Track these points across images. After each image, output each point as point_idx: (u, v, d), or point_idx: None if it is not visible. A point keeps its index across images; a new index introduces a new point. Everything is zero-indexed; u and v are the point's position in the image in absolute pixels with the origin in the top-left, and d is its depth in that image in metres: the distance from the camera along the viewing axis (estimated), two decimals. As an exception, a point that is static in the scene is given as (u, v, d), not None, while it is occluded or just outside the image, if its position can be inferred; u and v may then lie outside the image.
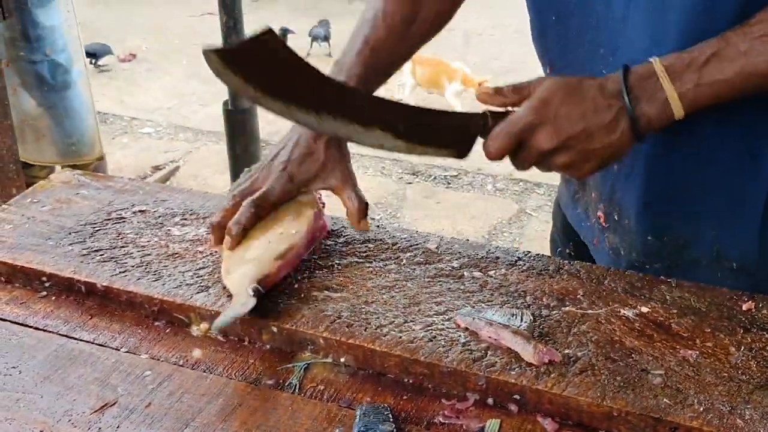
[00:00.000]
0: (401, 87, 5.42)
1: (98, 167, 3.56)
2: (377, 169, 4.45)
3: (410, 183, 4.32)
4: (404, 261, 1.21)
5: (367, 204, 1.23)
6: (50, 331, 1.13)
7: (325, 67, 1.15)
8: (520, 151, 1.06)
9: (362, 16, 1.30)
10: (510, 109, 1.08)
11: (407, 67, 5.16)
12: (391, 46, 1.28)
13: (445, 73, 5.20)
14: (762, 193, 1.15)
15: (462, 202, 4.10)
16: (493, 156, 1.06)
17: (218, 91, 4.12)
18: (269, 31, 0.98)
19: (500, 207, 4.02)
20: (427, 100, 5.22)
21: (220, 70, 1.00)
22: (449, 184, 4.30)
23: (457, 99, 5.25)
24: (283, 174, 1.21)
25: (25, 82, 3.29)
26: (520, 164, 1.08)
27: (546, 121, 1.03)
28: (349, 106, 1.06)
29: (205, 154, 4.80)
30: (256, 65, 1.01)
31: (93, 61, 5.98)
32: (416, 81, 5.34)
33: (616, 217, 1.26)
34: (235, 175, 3.76)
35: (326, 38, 6.29)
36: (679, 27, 1.06)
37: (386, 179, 4.36)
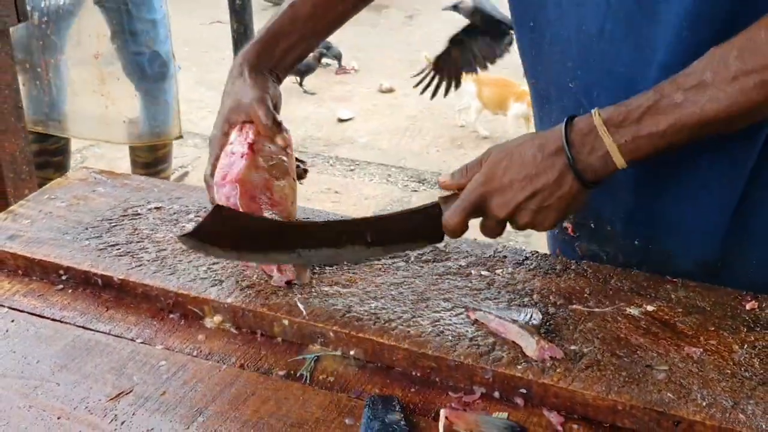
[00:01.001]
0: (464, 111, 5.13)
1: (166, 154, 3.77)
2: (383, 176, 4.48)
3: (416, 191, 4.35)
4: (412, 259, 1.23)
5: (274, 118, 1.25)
6: (67, 323, 1.16)
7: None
8: (482, 222, 1.10)
9: None
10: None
11: (472, 88, 4.89)
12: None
13: (513, 94, 4.88)
14: (733, 202, 1.16)
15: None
16: (453, 231, 1.10)
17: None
18: (217, 206, 1.12)
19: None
20: (493, 122, 5.15)
21: (197, 247, 1.12)
22: (456, 192, 4.35)
23: (519, 120, 4.91)
24: (218, 131, 1.28)
25: (127, 71, 3.41)
26: (488, 233, 1.11)
27: (494, 192, 1.07)
28: (317, 237, 1.14)
29: (213, 160, 4.85)
30: (224, 234, 1.11)
31: None
32: (482, 103, 5.01)
33: (592, 225, 1.28)
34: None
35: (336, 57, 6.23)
36: (666, 39, 1.08)
37: (392, 186, 4.39)
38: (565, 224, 1.30)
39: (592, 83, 1.16)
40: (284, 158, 1.23)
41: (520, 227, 1.09)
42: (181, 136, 3.74)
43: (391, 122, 5.20)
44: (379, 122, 5.21)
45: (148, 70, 3.44)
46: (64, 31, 3.35)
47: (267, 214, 1.18)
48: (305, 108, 5.50)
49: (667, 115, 1.01)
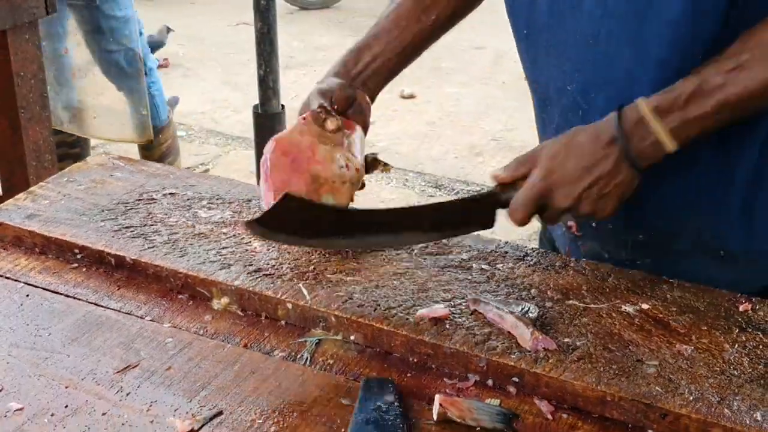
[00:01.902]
0: None
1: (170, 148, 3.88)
2: (400, 181, 4.52)
3: (432, 196, 4.38)
4: (416, 251, 1.26)
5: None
6: (80, 299, 1.20)
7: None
8: (545, 213, 1.15)
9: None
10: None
11: None
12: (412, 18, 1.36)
13: None
14: (742, 183, 1.20)
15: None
16: (520, 224, 1.16)
17: (250, 99, 4.20)
18: (286, 195, 1.12)
19: (521, 224, 4.03)
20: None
21: (262, 233, 1.15)
22: (472, 199, 4.38)
23: None
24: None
25: (106, 70, 3.49)
26: (549, 222, 1.17)
27: (557, 184, 1.12)
28: (378, 223, 1.19)
29: (234, 158, 4.88)
30: (289, 221, 1.14)
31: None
32: None
33: (593, 224, 1.31)
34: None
35: None
36: (665, 37, 1.12)
37: (409, 191, 4.42)
38: (570, 223, 1.33)
39: (589, 85, 1.20)
40: (340, 137, 1.22)
41: (581, 216, 1.15)
42: (150, 140, 3.78)
43: (410, 128, 5.24)
44: (398, 127, 5.24)
45: (127, 68, 3.51)
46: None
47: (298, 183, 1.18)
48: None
49: (711, 98, 1.08)
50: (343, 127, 1.22)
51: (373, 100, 1.34)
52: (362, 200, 1.24)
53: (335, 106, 1.25)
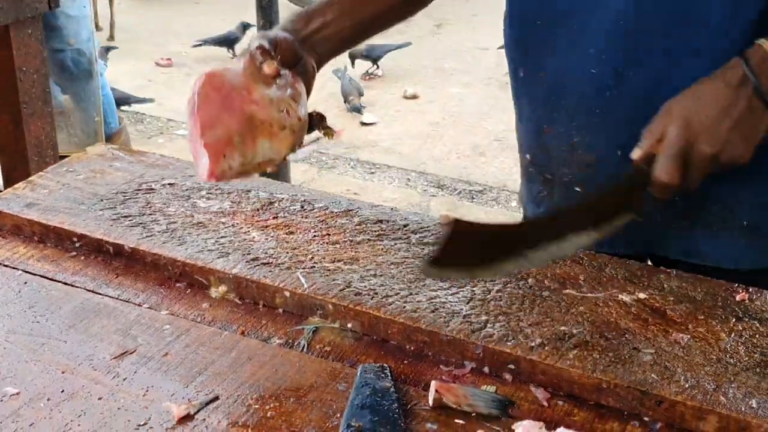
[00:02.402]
0: None
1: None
2: (402, 180, 4.52)
3: (434, 196, 4.38)
4: (414, 241, 1.27)
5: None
6: (77, 287, 1.20)
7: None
8: (689, 171, 1.11)
9: None
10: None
11: None
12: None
13: None
14: None
15: (485, 218, 4.15)
16: (670, 183, 1.10)
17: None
18: (455, 221, 1.04)
19: (523, 224, 4.03)
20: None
21: (438, 274, 1.10)
22: (473, 198, 4.36)
23: None
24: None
25: (51, 69, 3.46)
26: (693, 181, 1.12)
27: (697, 133, 1.09)
28: (540, 234, 1.11)
29: (236, 157, 4.92)
30: (457, 253, 1.06)
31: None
32: None
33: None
34: (263, 174, 3.83)
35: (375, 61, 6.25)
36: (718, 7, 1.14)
37: (411, 191, 4.42)
38: None
39: (621, 64, 1.20)
40: (281, 85, 1.11)
41: (726, 164, 1.11)
42: (124, 129, 3.78)
43: (413, 128, 5.24)
44: (401, 127, 5.24)
45: (73, 69, 3.46)
46: None
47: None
48: (329, 110, 5.56)
49: None
50: (287, 77, 1.12)
51: (318, 68, 1.24)
52: (364, 199, 1.22)
53: (278, 56, 1.13)
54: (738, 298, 1.14)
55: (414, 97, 5.72)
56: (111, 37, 6.94)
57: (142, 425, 0.96)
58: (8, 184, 2.60)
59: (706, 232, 1.29)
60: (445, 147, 5.00)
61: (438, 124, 5.33)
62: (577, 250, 1.17)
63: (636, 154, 1.13)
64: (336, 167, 4.69)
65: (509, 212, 4.28)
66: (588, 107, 1.24)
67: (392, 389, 0.99)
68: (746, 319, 1.10)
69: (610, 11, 1.19)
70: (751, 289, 1.16)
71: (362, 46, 5.94)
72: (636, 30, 1.18)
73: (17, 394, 1.00)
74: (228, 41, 6.38)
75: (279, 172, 3.72)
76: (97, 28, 7.11)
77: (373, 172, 4.66)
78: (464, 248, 1.06)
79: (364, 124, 5.32)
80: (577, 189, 1.32)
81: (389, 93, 5.76)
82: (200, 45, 6.38)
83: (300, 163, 4.72)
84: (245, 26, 6.21)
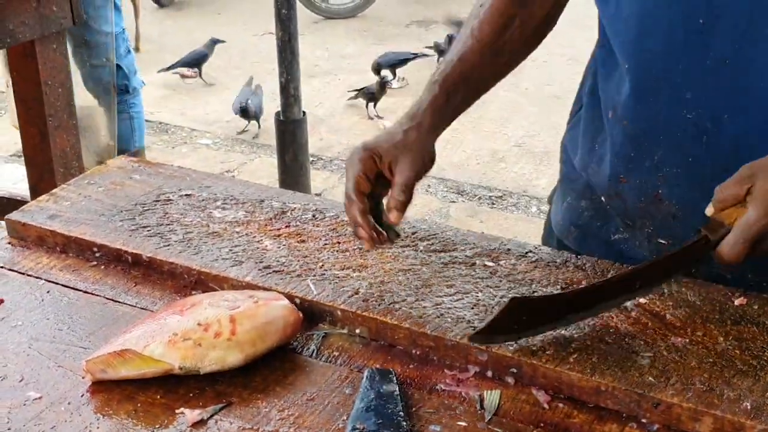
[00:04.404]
0: None
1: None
2: (422, 186, 4.55)
3: (454, 202, 4.41)
4: (421, 248, 1.30)
5: (406, 201, 1.21)
6: (98, 295, 1.25)
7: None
8: (759, 247, 1.06)
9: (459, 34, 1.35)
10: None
11: None
12: (481, 61, 1.32)
13: None
14: None
15: (505, 224, 4.17)
16: (735, 260, 1.06)
17: (274, 107, 4.27)
18: (512, 299, 1.08)
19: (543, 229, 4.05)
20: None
21: (485, 341, 1.09)
22: (493, 204, 4.39)
23: None
24: (366, 152, 1.22)
25: (88, 84, 3.55)
26: (759, 254, 1.07)
27: None
28: (591, 300, 1.12)
29: (258, 165, 4.95)
30: (510, 321, 1.09)
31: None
32: None
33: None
34: (283, 181, 3.89)
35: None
36: None
37: (431, 197, 4.46)
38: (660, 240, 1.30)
39: (720, 110, 1.18)
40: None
41: None
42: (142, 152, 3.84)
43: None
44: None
45: (109, 84, 3.57)
46: None
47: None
48: (350, 118, 5.61)
49: None
50: None
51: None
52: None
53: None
54: (736, 302, 1.17)
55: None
56: (136, 49, 7.03)
57: (158, 428, 1.00)
58: (34, 194, 2.67)
59: None
60: (465, 153, 5.03)
61: (457, 129, 5.35)
62: (623, 303, 1.17)
63: (710, 211, 1.10)
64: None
65: (529, 217, 4.30)
66: (684, 151, 1.21)
67: (397, 393, 1.03)
68: (743, 324, 1.13)
69: (712, 53, 1.15)
70: (749, 294, 1.19)
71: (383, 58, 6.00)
72: (737, 74, 1.14)
73: (39, 398, 1.05)
74: (197, 60, 6.23)
75: (297, 180, 3.78)
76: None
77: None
78: (514, 318, 1.08)
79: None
80: (661, 241, 1.30)
81: (410, 100, 5.80)
82: (169, 69, 6.05)
83: (321, 171, 4.77)
84: (215, 42, 6.08)
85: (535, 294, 1.19)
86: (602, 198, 1.35)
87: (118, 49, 3.57)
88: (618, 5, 1.23)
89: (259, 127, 5.37)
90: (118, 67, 3.58)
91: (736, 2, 1.12)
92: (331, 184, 4.61)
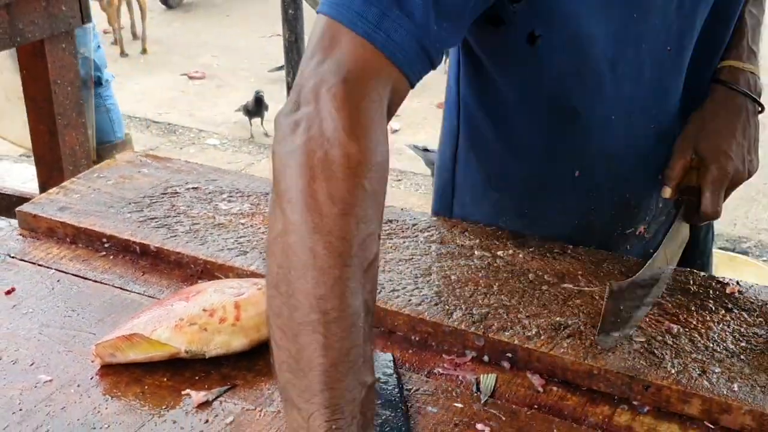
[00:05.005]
0: None
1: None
2: (428, 187, 4.59)
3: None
4: (422, 239, 1.34)
5: None
6: (107, 284, 1.29)
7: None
8: (728, 193, 1.27)
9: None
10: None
11: None
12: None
13: None
14: None
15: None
16: (718, 212, 1.24)
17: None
18: (610, 288, 1.12)
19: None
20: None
21: (613, 341, 1.11)
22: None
23: None
24: None
25: None
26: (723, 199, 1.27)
27: (735, 166, 1.24)
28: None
29: (265, 165, 5.01)
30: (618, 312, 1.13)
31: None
32: None
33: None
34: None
35: None
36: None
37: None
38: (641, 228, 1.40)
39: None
40: None
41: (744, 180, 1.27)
42: (128, 142, 3.88)
43: (438, 135, 5.30)
44: (427, 135, 5.32)
45: (84, 77, 3.64)
46: None
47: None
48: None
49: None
50: None
51: None
52: (388, 201, 1.25)
53: None
54: (728, 290, 1.20)
55: (441, 106, 5.79)
56: (144, 51, 7.09)
57: (165, 409, 1.04)
58: (44, 192, 2.70)
59: None
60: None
61: (464, 131, 5.38)
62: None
63: (667, 193, 1.26)
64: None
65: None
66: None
67: (395, 375, 1.06)
68: (735, 311, 1.16)
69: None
70: (741, 283, 1.22)
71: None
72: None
73: (50, 381, 1.08)
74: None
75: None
76: (134, 37, 7.27)
77: (399, 179, 4.74)
78: (620, 307, 1.13)
79: (390, 131, 5.40)
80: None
81: (416, 101, 5.84)
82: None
83: (328, 171, 4.80)
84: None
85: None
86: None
87: (89, 43, 3.65)
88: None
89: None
90: (89, 59, 3.67)
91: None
92: (337, 184, 4.64)
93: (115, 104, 4.08)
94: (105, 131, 3.95)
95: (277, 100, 5.46)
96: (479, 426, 1.00)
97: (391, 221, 1.39)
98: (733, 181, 1.24)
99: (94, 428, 1.00)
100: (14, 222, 1.45)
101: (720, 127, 1.26)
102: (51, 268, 1.33)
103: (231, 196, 1.47)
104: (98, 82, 3.89)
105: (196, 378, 1.08)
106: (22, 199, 3.04)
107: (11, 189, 3.42)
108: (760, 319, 1.15)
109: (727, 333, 1.12)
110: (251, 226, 1.37)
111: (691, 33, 1.24)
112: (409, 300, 1.18)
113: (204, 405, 1.04)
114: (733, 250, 4.03)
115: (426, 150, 4.38)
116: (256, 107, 5.40)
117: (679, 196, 1.27)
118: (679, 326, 1.13)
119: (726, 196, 1.25)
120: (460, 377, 1.09)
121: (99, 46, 3.94)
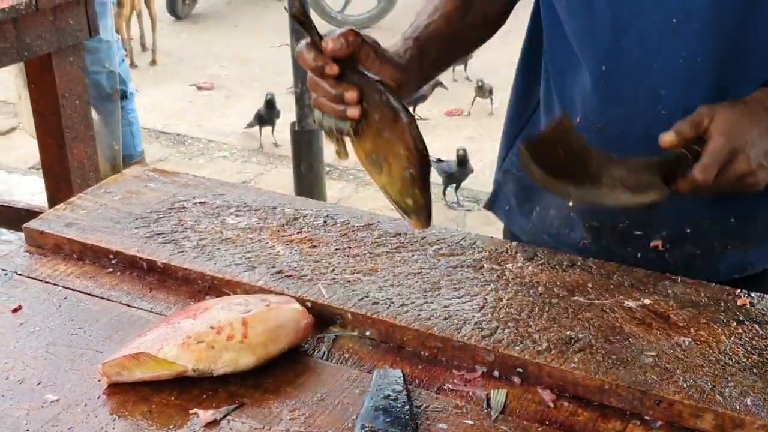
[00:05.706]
0: None
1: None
2: (439, 194, 4.58)
3: (470, 210, 4.43)
4: (431, 252, 1.33)
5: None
6: (114, 301, 1.28)
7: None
8: (718, 180, 1.17)
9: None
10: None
11: None
12: (448, 29, 1.40)
13: None
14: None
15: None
16: (704, 181, 1.16)
17: (290, 119, 4.31)
18: (564, 115, 1.13)
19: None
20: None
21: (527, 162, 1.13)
22: (509, 212, 4.42)
23: None
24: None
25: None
26: (717, 189, 1.18)
27: (740, 150, 1.16)
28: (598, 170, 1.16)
29: (275, 175, 5.00)
30: (552, 153, 1.14)
31: None
32: None
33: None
34: (299, 191, 3.93)
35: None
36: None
37: (446, 207, 4.48)
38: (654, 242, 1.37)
39: (689, 99, 1.25)
40: None
41: (748, 185, 1.18)
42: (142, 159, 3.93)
43: (450, 142, 5.29)
44: (438, 142, 5.30)
45: (108, 90, 3.68)
46: None
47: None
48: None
49: None
50: None
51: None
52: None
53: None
54: (740, 302, 1.19)
55: (458, 113, 5.80)
56: (153, 61, 7.10)
57: (172, 428, 1.03)
58: (52, 205, 2.71)
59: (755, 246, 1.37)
60: (481, 162, 5.05)
61: (474, 138, 5.39)
62: (608, 202, 1.18)
63: (668, 140, 1.17)
64: (373, 184, 4.76)
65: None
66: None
67: (404, 392, 1.05)
68: (747, 323, 1.15)
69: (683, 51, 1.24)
70: (752, 294, 1.20)
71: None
72: (706, 67, 1.25)
73: (57, 400, 1.08)
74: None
75: (312, 190, 3.82)
76: (143, 49, 7.31)
77: (410, 187, 4.72)
78: (556, 152, 1.12)
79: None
80: (637, 233, 1.37)
81: (426, 109, 5.84)
82: None
83: (337, 181, 4.81)
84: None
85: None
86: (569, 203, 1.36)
87: (112, 56, 3.69)
88: (591, 15, 1.29)
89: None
90: (114, 73, 3.71)
91: (704, 2, 1.21)
92: (347, 194, 4.65)
93: (137, 118, 4.13)
94: (126, 145, 3.99)
95: (285, 110, 5.47)
96: (489, 443, 0.99)
97: (399, 234, 1.38)
98: (738, 168, 1.16)
99: (102, 448, 1.00)
100: (23, 236, 1.45)
101: (748, 115, 1.18)
102: (58, 285, 1.32)
103: (238, 210, 1.46)
104: (123, 96, 3.92)
105: (204, 396, 1.08)
106: (32, 213, 3.06)
107: (20, 202, 3.43)
108: (773, 331, 1.14)
109: (739, 346, 1.10)
110: (259, 240, 1.37)
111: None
112: (419, 315, 1.17)
113: (212, 424, 1.04)
114: None
115: (439, 161, 4.37)
116: (268, 111, 5.41)
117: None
118: (689, 339, 1.12)
119: (726, 182, 1.17)
120: (470, 393, 1.08)
121: (123, 60, 3.98)
